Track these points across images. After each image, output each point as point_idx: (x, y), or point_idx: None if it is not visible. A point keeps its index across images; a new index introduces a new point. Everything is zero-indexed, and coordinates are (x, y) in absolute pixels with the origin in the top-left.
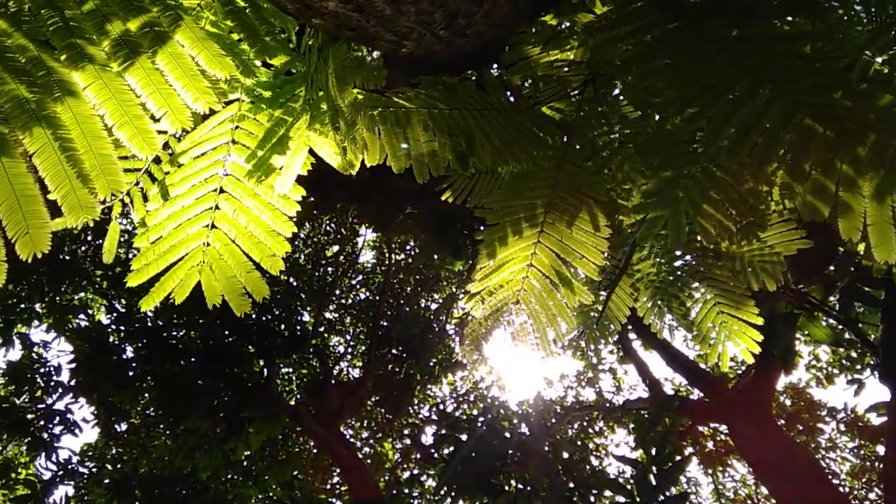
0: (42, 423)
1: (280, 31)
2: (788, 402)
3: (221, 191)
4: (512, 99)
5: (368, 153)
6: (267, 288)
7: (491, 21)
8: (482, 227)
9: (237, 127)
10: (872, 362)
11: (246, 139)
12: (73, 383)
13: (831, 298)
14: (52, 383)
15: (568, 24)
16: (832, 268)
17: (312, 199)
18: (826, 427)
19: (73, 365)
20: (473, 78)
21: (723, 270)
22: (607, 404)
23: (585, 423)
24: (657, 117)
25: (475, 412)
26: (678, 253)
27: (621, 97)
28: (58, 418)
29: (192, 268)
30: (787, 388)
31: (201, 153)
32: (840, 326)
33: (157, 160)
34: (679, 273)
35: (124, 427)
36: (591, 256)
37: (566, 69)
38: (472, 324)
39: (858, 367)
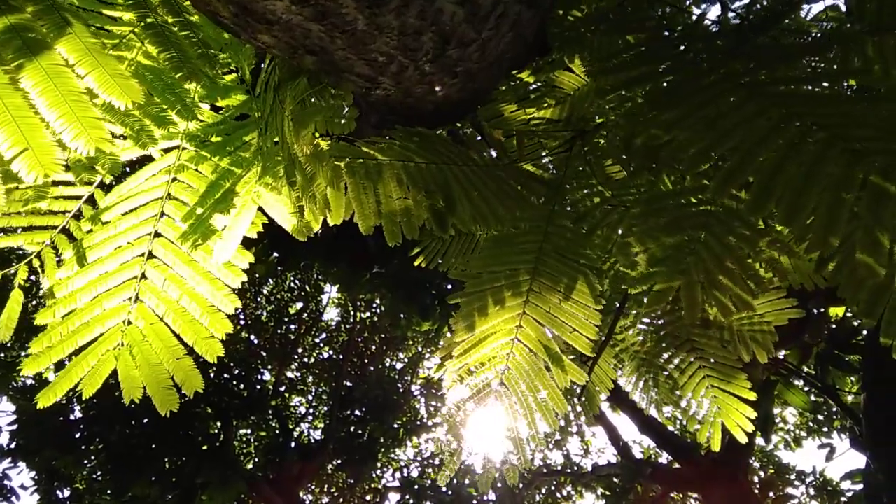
0: None
1: (230, 67)
2: (757, 465)
3: (151, 255)
4: (494, 154)
5: (331, 211)
6: (201, 379)
7: (485, 57)
8: (450, 287)
9: (175, 179)
10: (839, 427)
11: (184, 193)
12: (13, 446)
13: (805, 365)
14: None
15: (544, 82)
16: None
17: (276, 255)
18: (796, 491)
19: (15, 426)
20: (445, 133)
21: (711, 340)
22: (575, 468)
23: (553, 488)
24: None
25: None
26: (664, 321)
27: (605, 156)
28: None
29: (107, 352)
30: (755, 451)
31: (130, 209)
32: (809, 389)
33: (78, 215)
34: (665, 344)
35: (67, 493)
36: (583, 330)
37: (548, 125)
38: (450, 409)
39: (825, 429)
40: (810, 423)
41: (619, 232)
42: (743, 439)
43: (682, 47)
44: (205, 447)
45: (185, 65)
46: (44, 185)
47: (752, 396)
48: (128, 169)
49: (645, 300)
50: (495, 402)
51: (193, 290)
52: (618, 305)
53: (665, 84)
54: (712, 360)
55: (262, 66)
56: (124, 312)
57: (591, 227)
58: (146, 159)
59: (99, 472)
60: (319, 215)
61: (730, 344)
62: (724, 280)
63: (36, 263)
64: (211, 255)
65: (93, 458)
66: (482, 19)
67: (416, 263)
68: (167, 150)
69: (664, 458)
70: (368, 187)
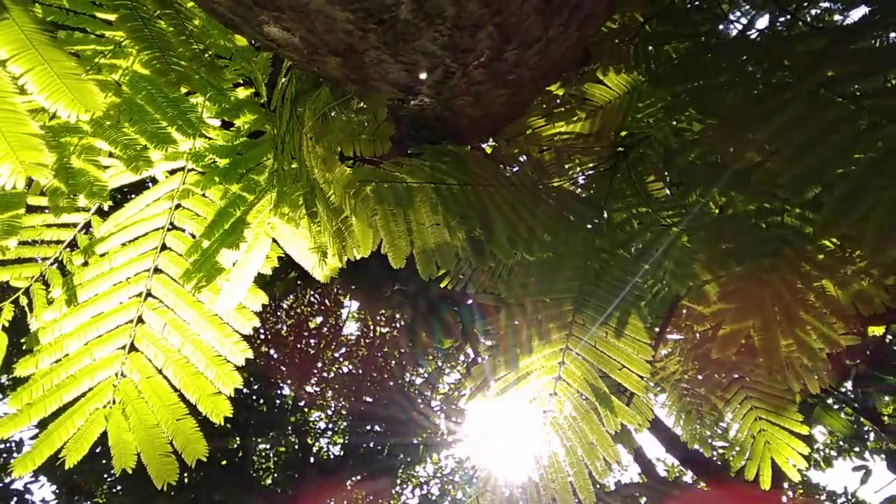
0: None
1: (241, 78)
2: (786, 484)
3: (149, 295)
4: (516, 170)
5: (359, 246)
6: (204, 444)
7: (543, 63)
8: (469, 303)
9: (178, 205)
10: (872, 448)
11: (189, 223)
12: None
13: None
14: (12, 461)
15: (573, 93)
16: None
17: (295, 273)
18: None
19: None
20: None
21: (758, 369)
22: (598, 486)
23: None
24: (696, 195)
25: (460, 494)
26: (707, 348)
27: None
28: (15, 499)
29: (96, 410)
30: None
31: (127, 240)
32: (840, 407)
33: (73, 246)
34: (708, 372)
35: None
36: (632, 366)
37: (577, 139)
38: (485, 460)
39: (857, 449)
40: (841, 443)
41: (673, 257)
42: (796, 477)
43: (749, 55)
44: (224, 462)
45: (173, 67)
46: (14, 216)
47: (805, 430)
48: (149, 185)
49: (689, 324)
50: (537, 448)
51: (197, 338)
52: (658, 331)
53: (743, 96)
54: (761, 391)
55: (278, 79)
56: (117, 363)
57: (640, 252)
58: (152, 181)
59: (119, 487)
60: (346, 252)
61: (779, 373)
62: (806, 316)
63: (24, 301)
64: (217, 296)
65: (113, 472)
66: (555, 10)
67: (442, 285)
68: (171, 173)
69: (689, 476)
70: (398, 214)
